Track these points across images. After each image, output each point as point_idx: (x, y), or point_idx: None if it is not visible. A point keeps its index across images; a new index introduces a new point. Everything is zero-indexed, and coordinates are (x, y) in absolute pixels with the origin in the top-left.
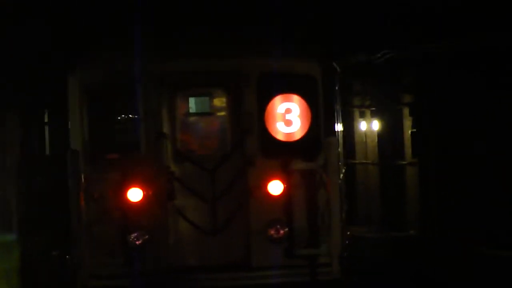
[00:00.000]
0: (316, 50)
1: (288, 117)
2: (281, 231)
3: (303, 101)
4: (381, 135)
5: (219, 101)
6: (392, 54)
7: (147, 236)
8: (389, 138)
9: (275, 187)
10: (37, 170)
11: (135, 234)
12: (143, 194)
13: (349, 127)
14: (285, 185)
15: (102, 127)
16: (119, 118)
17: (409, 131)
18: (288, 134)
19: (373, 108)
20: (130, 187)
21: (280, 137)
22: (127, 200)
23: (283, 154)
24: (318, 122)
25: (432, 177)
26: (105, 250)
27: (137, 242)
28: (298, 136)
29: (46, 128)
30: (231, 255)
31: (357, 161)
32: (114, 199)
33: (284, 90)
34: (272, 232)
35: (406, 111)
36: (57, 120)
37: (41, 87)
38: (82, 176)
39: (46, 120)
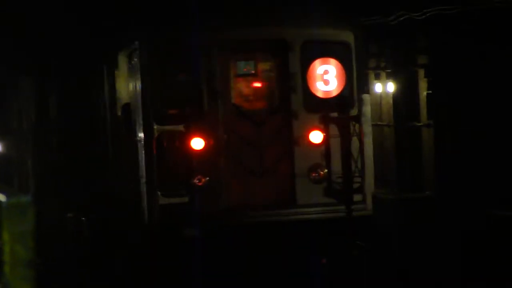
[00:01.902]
0: (349, 20)
1: (326, 78)
2: (321, 173)
3: (338, 64)
4: (396, 97)
5: (267, 65)
6: (407, 16)
7: (207, 179)
8: (404, 100)
9: (316, 136)
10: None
11: (198, 177)
12: (204, 143)
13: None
14: (324, 135)
15: (170, 86)
16: (184, 78)
17: (425, 93)
18: (326, 92)
19: (388, 70)
20: (193, 137)
21: (319, 94)
22: (191, 148)
23: (322, 108)
24: (352, 81)
25: (448, 139)
26: (174, 191)
27: (199, 184)
28: (334, 93)
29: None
30: (279, 194)
31: (372, 123)
32: (180, 148)
33: (322, 54)
34: (314, 174)
35: (421, 72)
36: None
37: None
38: (155, 129)
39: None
